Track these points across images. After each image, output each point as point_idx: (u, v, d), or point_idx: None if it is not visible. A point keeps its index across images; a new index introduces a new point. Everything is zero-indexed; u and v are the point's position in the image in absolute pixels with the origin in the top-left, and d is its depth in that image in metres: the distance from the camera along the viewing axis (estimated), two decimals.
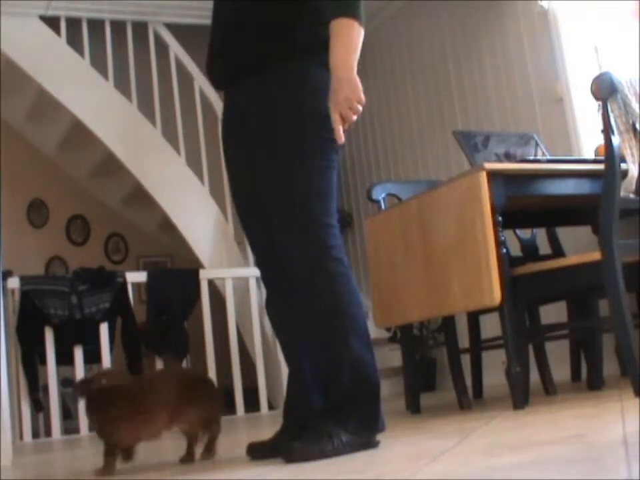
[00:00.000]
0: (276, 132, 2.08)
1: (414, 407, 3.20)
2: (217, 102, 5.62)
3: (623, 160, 2.56)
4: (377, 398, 2.06)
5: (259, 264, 2.27)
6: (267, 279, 2.25)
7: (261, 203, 2.16)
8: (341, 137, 1.98)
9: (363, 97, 1.97)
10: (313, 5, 2.09)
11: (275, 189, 2.09)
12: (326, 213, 2.07)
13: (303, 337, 2.16)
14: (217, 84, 2.28)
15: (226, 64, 2.19)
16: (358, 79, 1.99)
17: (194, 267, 5.22)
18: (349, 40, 2.01)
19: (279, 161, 2.08)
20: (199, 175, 5.52)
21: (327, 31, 2.07)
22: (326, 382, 2.07)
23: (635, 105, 2.54)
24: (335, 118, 1.97)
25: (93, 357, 4.72)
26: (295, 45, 2.10)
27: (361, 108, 1.98)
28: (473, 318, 3.46)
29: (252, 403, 5.00)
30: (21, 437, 4.43)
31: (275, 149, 2.08)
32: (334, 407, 2.02)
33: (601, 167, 2.61)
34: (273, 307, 2.25)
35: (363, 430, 1.99)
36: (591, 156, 3.63)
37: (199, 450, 2.28)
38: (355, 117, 1.97)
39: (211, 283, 5.15)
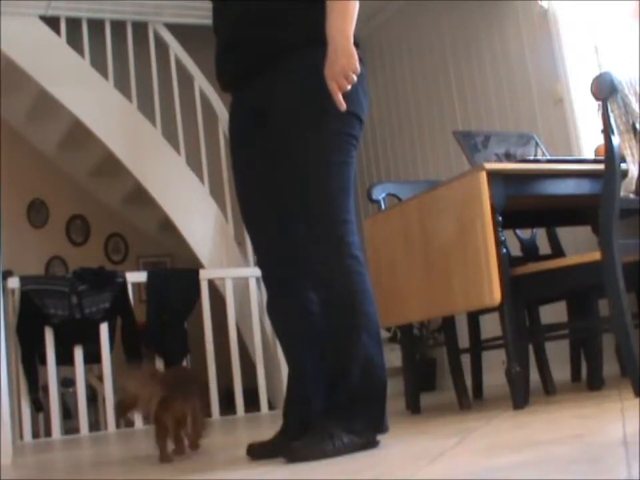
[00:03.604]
0: (295, 128, 2.06)
1: (414, 407, 3.20)
2: (217, 102, 5.62)
3: (623, 160, 2.56)
4: (384, 398, 2.05)
5: (262, 264, 2.24)
6: (271, 279, 2.22)
7: (276, 199, 2.15)
8: (342, 104, 1.99)
9: (358, 66, 1.99)
10: None
11: (293, 184, 2.08)
12: (345, 209, 2.06)
13: (309, 336, 2.15)
14: (226, 84, 2.25)
15: (235, 62, 2.16)
16: (354, 49, 2.00)
17: (194, 267, 5.22)
18: (345, 11, 2.02)
19: (298, 158, 2.06)
20: (199, 175, 5.52)
21: None
22: (334, 380, 2.06)
23: (635, 105, 2.54)
24: (333, 87, 1.98)
25: (93, 357, 4.72)
26: (311, 36, 2.07)
27: (355, 78, 1.99)
28: (473, 318, 3.46)
29: (252, 402, 5.00)
30: (21, 437, 4.43)
31: (294, 145, 2.06)
32: (339, 406, 2.02)
33: (601, 166, 2.61)
34: (275, 308, 2.24)
35: (367, 430, 1.99)
36: (591, 156, 3.62)
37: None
38: (349, 87, 1.99)
39: (211, 283, 5.15)
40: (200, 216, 5.47)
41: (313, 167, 2.05)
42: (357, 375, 2.01)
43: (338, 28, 2.01)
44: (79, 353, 4.63)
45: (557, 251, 3.62)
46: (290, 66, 2.08)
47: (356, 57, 1.99)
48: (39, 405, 4.58)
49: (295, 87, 2.07)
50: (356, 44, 2.11)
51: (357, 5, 2.04)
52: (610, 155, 2.54)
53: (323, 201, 2.05)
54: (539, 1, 4.41)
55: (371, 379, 2.02)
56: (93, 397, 5.55)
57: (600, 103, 2.57)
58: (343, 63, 1.97)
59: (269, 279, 2.23)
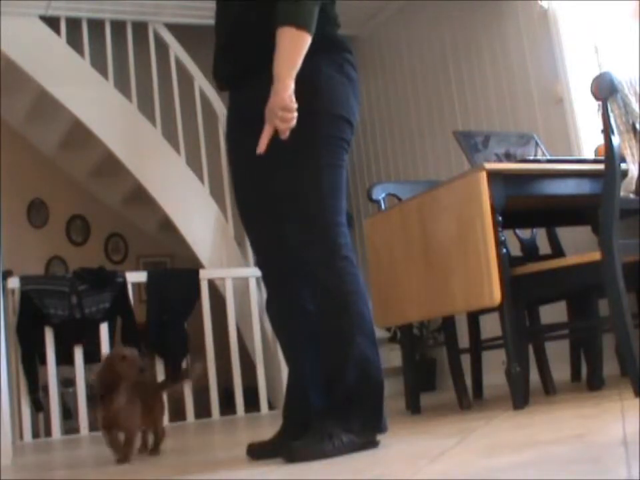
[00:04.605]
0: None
1: (414, 407, 3.20)
2: (217, 102, 5.61)
3: (623, 160, 2.56)
4: (381, 398, 2.05)
5: (261, 264, 2.26)
6: (269, 279, 2.24)
7: (269, 201, 2.15)
8: (261, 146, 1.98)
9: (288, 105, 1.94)
10: (321, 4, 2.07)
11: (286, 187, 2.09)
12: (336, 211, 2.07)
13: (307, 336, 2.16)
14: (222, 83, 2.26)
15: (233, 62, 2.17)
16: (288, 87, 1.95)
17: (194, 267, 5.22)
18: (284, 49, 1.98)
19: (290, 160, 2.07)
20: (199, 175, 5.52)
21: (334, 29, 2.08)
22: (330, 381, 2.07)
23: (635, 105, 2.54)
24: (266, 126, 1.97)
25: (92, 356, 4.71)
26: None
27: (290, 115, 1.95)
28: (473, 318, 3.46)
29: (252, 403, 5.00)
30: (21, 437, 4.43)
31: (286, 147, 2.06)
32: (337, 406, 2.02)
33: (601, 166, 2.61)
34: (273, 307, 2.25)
35: (365, 430, 1.99)
36: (591, 156, 3.62)
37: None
38: (283, 126, 1.96)
39: (211, 283, 5.15)
40: (200, 216, 5.47)
41: (305, 169, 2.06)
42: (352, 374, 2.01)
43: (277, 69, 1.97)
44: (78, 353, 4.63)
45: (557, 251, 3.62)
46: None
47: (286, 97, 1.94)
48: (39, 405, 4.58)
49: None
50: (349, 50, 2.12)
51: (301, 38, 1.98)
52: (610, 155, 2.54)
53: (315, 203, 2.06)
54: (539, 1, 4.42)
55: (367, 378, 2.03)
56: (93, 397, 5.55)
57: (600, 102, 2.57)
58: (272, 103, 1.95)
59: (268, 279, 2.25)
